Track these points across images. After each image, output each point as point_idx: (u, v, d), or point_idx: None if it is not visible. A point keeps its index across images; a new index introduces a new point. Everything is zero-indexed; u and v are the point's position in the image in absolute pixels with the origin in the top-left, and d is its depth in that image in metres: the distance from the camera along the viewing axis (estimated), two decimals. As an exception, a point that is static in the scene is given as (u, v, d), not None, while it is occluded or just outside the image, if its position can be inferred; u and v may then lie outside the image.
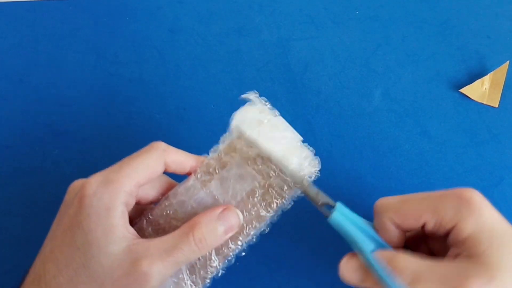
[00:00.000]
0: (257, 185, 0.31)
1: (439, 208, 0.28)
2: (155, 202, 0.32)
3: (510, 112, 0.44)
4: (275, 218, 0.32)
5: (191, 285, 0.30)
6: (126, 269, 0.26)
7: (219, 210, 0.29)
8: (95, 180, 0.28)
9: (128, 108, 0.44)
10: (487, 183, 0.40)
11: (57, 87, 0.45)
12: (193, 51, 0.47)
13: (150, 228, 0.31)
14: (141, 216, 0.32)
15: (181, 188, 0.31)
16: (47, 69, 0.46)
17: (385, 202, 0.30)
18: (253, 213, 0.30)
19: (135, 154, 0.29)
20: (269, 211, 0.31)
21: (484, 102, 0.44)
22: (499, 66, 0.44)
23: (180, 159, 0.31)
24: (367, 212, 0.40)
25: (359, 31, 0.47)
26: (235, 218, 0.30)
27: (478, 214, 0.27)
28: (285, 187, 0.31)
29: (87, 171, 0.41)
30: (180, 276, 0.30)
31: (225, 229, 0.29)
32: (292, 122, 0.44)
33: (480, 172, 0.41)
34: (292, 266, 0.38)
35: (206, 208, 0.30)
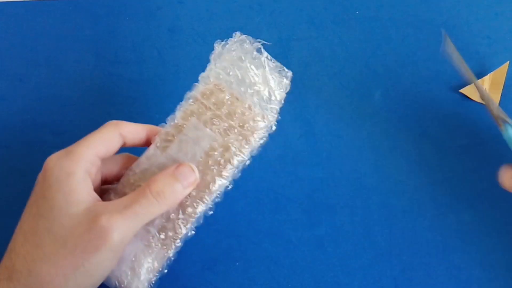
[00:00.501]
0: (215, 144, 0.32)
1: None
2: (119, 178, 0.33)
3: (510, 112, 0.44)
4: (237, 174, 0.33)
5: (162, 247, 0.31)
6: (86, 226, 0.27)
7: (174, 167, 0.31)
8: (55, 155, 0.30)
9: (128, 108, 0.44)
10: (488, 184, 0.40)
11: (57, 87, 0.45)
12: (193, 51, 0.47)
13: (117, 198, 0.32)
14: (108, 190, 0.33)
15: (143, 157, 0.32)
16: (47, 69, 0.46)
17: None
18: (214, 170, 0.31)
19: (92, 132, 0.32)
20: (229, 167, 0.32)
21: (484, 103, 0.44)
22: (499, 66, 0.44)
23: (135, 130, 0.33)
24: (367, 213, 0.40)
25: (359, 31, 0.47)
26: (190, 171, 0.31)
27: None
28: (244, 142, 0.32)
29: (87, 171, 0.41)
30: (149, 238, 0.31)
31: (182, 184, 0.30)
32: (292, 122, 0.44)
33: (481, 172, 0.41)
34: (292, 266, 0.38)
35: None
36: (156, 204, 0.29)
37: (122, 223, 0.28)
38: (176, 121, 0.33)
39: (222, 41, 0.37)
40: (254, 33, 0.48)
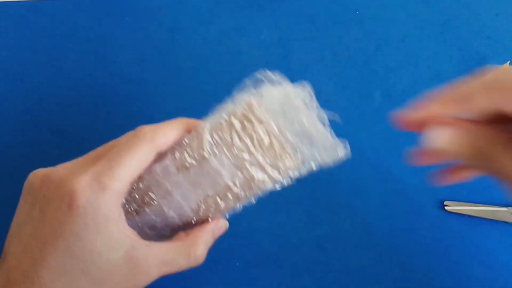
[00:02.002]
0: (237, 181, 0.29)
1: None
2: None
3: (510, 112, 0.44)
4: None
5: None
6: (125, 275, 0.26)
7: (212, 224, 0.30)
8: (85, 185, 0.26)
9: (128, 108, 0.44)
10: (487, 183, 0.40)
11: (57, 87, 0.45)
12: (193, 51, 0.47)
13: (131, 204, 0.30)
14: None
15: (157, 167, 0.29)
16: (47, 69, 0.46)
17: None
18: (229, 200, 0.30)
19: (122, 147, 0.27)
20: (236, 205, 0.30)
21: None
22: (499, 66, 0.44)
23: (171, 138, 0.29)
24: (367, 213, 0.40)
25: (359, 31, 0.47)
26: (224, 228, 0.31)
27: None
28: (265, 182, 0.29)
29: (87, 171, 0.41)
30: None
31: (215, 238, 0.30)
32: (292, 122, 0.44)
33: (480, 173, 0.41)
34: (292, 266, 0.38)
35: (182, 191, 0.29)
36: (191, 263, 0.29)
37: (158, 276, 0.28)
38: (201, 140, 0.29)
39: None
40: (254, 33, 0.48)
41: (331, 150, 0.30)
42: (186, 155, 0.28)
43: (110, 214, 0.26)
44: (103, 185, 0.26)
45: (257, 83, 0.30)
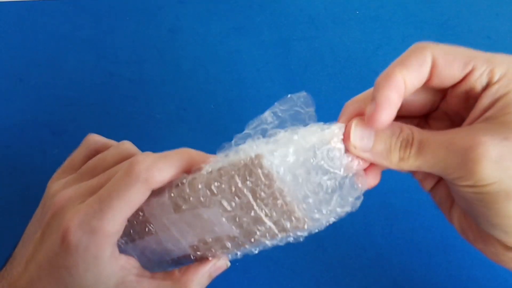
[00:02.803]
0: (235, 233, 0.27)
1: (495, 59, 0.23)
2: None
3: (510, 112, 0.44)
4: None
5: None
6: None
7: (209, 265, 0.29)
8: (78, 225, 0.26)
9: (128, 108, 0.44)
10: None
11: (57, 87, 0.45)
12: (193, 51, 0.47)
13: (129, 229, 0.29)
14: None
15: (154, 201, 0.28)
16: (47, 69, 0.46)
17: (426, 44, 0.25)
18: (228, 247, 0.28)
19: (114, 187, 0.26)
20: (228, 253, 0.29)
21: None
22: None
23: (167, 179, 0.27)
24: (367, 213, 0.40)
25: (359, 31, 0.47)
26: (223, 268, 0.29)
27: None
28: (267, 238, 0.27)
29: (87, 171, 0.41)
30: None
31: (212, 278, 0.29)
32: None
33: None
34: (292, 266, 0.38)
35: (180, 229, 0.28)
36: None
37: None
38: (196, 188, 0.26)
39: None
40: (254, 33, 0.48)
41: (349, 205, 0.27)
42: (181, 198, 0.27)
43: (100, 254, 0.26)
44: (93, 228, 0.26)
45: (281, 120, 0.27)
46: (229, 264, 0.29)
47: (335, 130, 0.25)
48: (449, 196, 0.27)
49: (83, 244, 0.26)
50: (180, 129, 0.43)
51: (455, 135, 0.22)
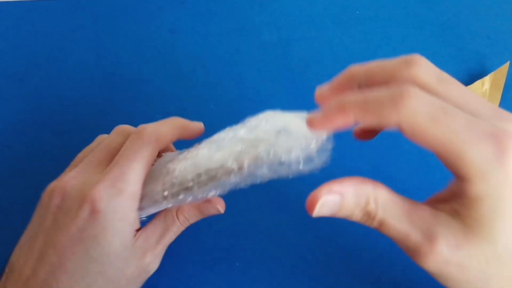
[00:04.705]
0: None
1: (470, 150, 0.20)
2: None
3: (510, 112, 0.44)
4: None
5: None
6: (136, 264, 0.29)
7: (202, 202, 0.31)
8: (104, 190, 0.28)
9: (128, 108, 0.44)
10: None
11: (57, 87, 0.45)
12: (193, 51, 0.47)
13: None
14: None
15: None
16: (47, 69, 0.46)
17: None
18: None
19: (130, 151, 0.29)
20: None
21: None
22: (499, 66, 0.44)
23: (171, 139, 0.32)
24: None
25: (359, 31, 0.47)
26: (215, 209, 0.32)
27: (503, 174, 0.20)
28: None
29: (87, 171, 0.41)
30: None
31: (204, 215, 0.32)
32: (292, 122, 0.44)
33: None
34: (292, 266, 0.38)
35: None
36: (182, 228, 0.32)
37: (160, 252, 0.31)
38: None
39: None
40: (254, 33, 0.48)
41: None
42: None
43: (127, 216, 0.28)
44: (118, 190, 0.28)
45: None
46: (221, 207, 0.32)
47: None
48: None
49: (111, 207, 0.27)
50: (180, 129, 0.43)
51: (410, 227, 0.23)
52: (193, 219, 0.32)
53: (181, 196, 0.29)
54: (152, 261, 0.30)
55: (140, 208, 0.30)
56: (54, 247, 0.28)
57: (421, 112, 0.20)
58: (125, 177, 0.28)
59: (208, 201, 0.31)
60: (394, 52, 0.46)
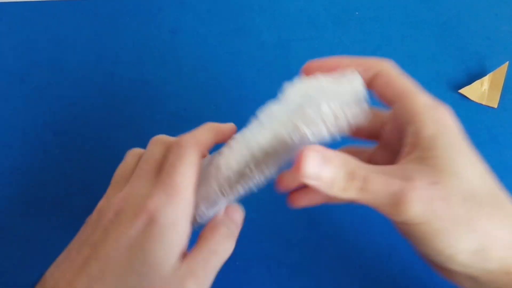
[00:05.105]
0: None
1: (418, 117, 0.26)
2: None
3: (509, 113, 0.44)
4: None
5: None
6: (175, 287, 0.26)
7: (222, 217, 0.29)
8: (156, 200, 0.26)
9: (129, 108, 0.44)
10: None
11: (58, 88, 0.45)
12: (193, 52, 0.47)
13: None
14: None
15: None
16: (47, 69, 0.46)
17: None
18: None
19: (173, 158, 0.28)
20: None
21: (483, 103, 0.44)
22: (499, 67, 0.44)
23: (210, 142, 0.31)
24: (367, 213, 0.41)
25: (359, 32, 0.47)
26: (239, 215, 0.30)
27: (443, 114, 0.26)
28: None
29: (88, 171, 0.41)
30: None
31: (232, 228, 0.29)
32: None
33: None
34: (292, 266, 0.39)
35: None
36: (221, 251, 0.28)
37: (204, 281, 0.27)
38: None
39: None
40: (254, 33, 0.48)
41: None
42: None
43: (176, 222, 0.26)
44: (171, 197, 0.26)
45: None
46: (241, 213, 0.30)
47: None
48: None
49: (163, 212, 0.26)
50: (180, 129, 0.43)
51: (390, 177, 0.24)
52: (223, 242, 0.28)
53: (240, 186, 0.28)
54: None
55: (197, 216, 0.29)
56: (98, 259, 0.26)
57: (395, 69, 0.28)
58: (176, 183, 0.27)
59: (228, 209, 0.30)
60: (394, 52, 0.46)
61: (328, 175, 0.25)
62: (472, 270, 0.24)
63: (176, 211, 0.26)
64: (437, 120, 0.26)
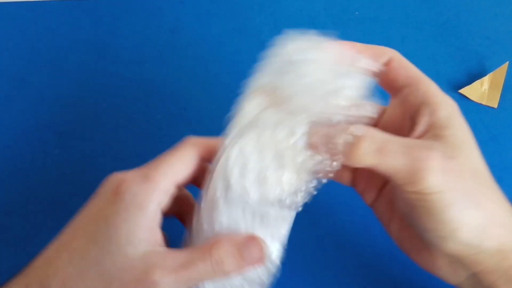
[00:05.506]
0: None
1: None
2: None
3: (509, 112, 0.44)
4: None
5: None
6: (137, 274, 0.25)
7: (244, 238, 0.27)
8: (132, 176, 0.27)
9: (129, 108, 0.44)
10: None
11: (58, 87, 0.45)
12: (193, 52, 0.47)
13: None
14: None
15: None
16: (47, 69, 0.46)
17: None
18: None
19: (168, 151, 0.29)
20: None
21: (483, 103, 0.44)
22: (499, 67, 0.44)
23: (213, 146, 0.29)
24: (367, 213, 0.41)
25: (359, 32, 0.47)
26: (259, 251, 0.27)
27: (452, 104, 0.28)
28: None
29: (88, 171, 0.41)
30: None
31: (247, 262, 0.27)
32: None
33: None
34: (292, 266, 0.39)
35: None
36: (212, 272, 0.26)
37: (174, 283, 0.25)
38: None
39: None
40: (254, 34, 0.48)
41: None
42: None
43: (144, 205, 0.26)
44: (146, 177, 0.26)
45: None
46: (264, 248, 0.27)
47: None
48: (389, 210, 0.31)
49: (132, 190, 0.26)
50: (180, 129, 0.43)
51: (412, 145, 0.25)
52: (229, 263, 0.26)
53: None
54: (159, 285, 0.25)
55: None
56: (71, 226, 0.27)
57: (404, 58, 0.29)
58: (157, 168, 0.27)
59: (251, 239, 0.27)
60: (394, 52, 0.46)
61: (361, 150, 0.25)
62: (464, 249, 0.25)
63: (146, 195, 0.26)
64: (450, 104, 0.27)
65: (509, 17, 0.48)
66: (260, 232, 0.27)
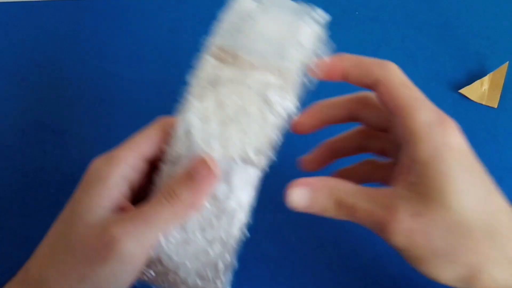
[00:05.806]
0: None
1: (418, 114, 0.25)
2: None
3: (509, 112, 0.44)
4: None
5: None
6: (96, 234, 0.25)
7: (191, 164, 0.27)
8: (100, 158, 0.28)
9: (128, 108, 0.44)
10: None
11: (58, 87, 0.45)
12: (193, 52, 0.47)
13: None
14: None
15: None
16: (47, 69, 0.46)
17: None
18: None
19: (140, 130, 0.30)
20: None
21: (484, 103, 0.44)
22: (499, 67, 0.44)
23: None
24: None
25: (359, 32, 0.47)
26: (207, 168, 0.26)
27: (443, 139, 0.24)
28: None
29: (88, 171, 0.41)
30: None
31: (197, 180, 0.26)
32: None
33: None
34: (292, 266, 0.39)
35: None
36: (170, 208, 0.26)
37: (134, 232, 0.25)
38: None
39: None
40: (254, 33, 0.48)
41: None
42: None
43: (104, 177, 0.27)
44: (111, 155, 0.28)
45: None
46: (214, 162, 0.27)
47: None
48: None
49: (95, 168, 0.27)
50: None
51: (376, 206, 0.25)
52: (183, 192, 0.26)
53: None
54: (117, 237, 0.24)
55: None
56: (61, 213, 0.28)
57: (398, 75, 0.27)
58: (122, 145, 0.28)
59: (197, 161, 0.27)
60: (394, 52, 0.46)
61: (318, 205, 0.26)
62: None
63: (108, 169, 0.27)
64: (436, 141, 0.24)
65: (509, 17, 0.48)
66: (225, 188, 0.28)
